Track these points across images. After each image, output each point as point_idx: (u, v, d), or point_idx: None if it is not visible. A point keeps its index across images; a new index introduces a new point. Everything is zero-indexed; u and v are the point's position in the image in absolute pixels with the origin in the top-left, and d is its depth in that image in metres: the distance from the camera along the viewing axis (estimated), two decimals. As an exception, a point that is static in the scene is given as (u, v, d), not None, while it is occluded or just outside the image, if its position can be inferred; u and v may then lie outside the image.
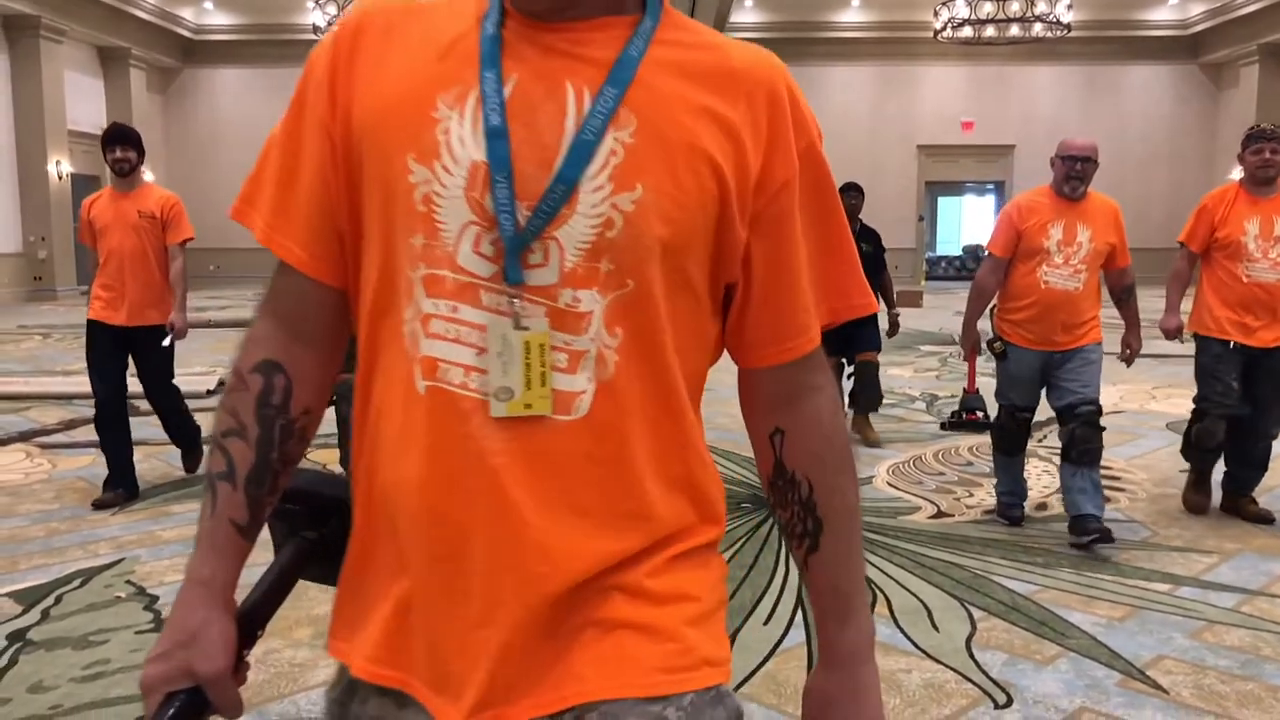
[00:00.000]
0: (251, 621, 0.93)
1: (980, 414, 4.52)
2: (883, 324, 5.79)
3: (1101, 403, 3.92)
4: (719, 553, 0.96)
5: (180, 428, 4.88)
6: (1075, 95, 20.48)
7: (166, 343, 4.56)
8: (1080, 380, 3.90)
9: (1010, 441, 4.15)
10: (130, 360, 4.60)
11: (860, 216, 5.81)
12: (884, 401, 6.07)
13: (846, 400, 5.66)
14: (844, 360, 5.74)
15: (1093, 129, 20.42)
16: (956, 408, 4.64)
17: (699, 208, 0.84)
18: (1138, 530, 4.11)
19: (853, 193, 5.71)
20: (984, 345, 4.26)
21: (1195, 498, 4.37)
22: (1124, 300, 4.15)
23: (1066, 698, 2.63)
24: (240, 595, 0.93)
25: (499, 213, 0.81)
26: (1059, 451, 5.15)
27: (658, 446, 0.86)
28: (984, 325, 4.26)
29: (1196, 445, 4.29)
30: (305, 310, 0.94)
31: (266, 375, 0.93)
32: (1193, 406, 4.35)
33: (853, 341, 5.62)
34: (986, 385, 4.77)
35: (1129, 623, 3.14)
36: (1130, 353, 4.21)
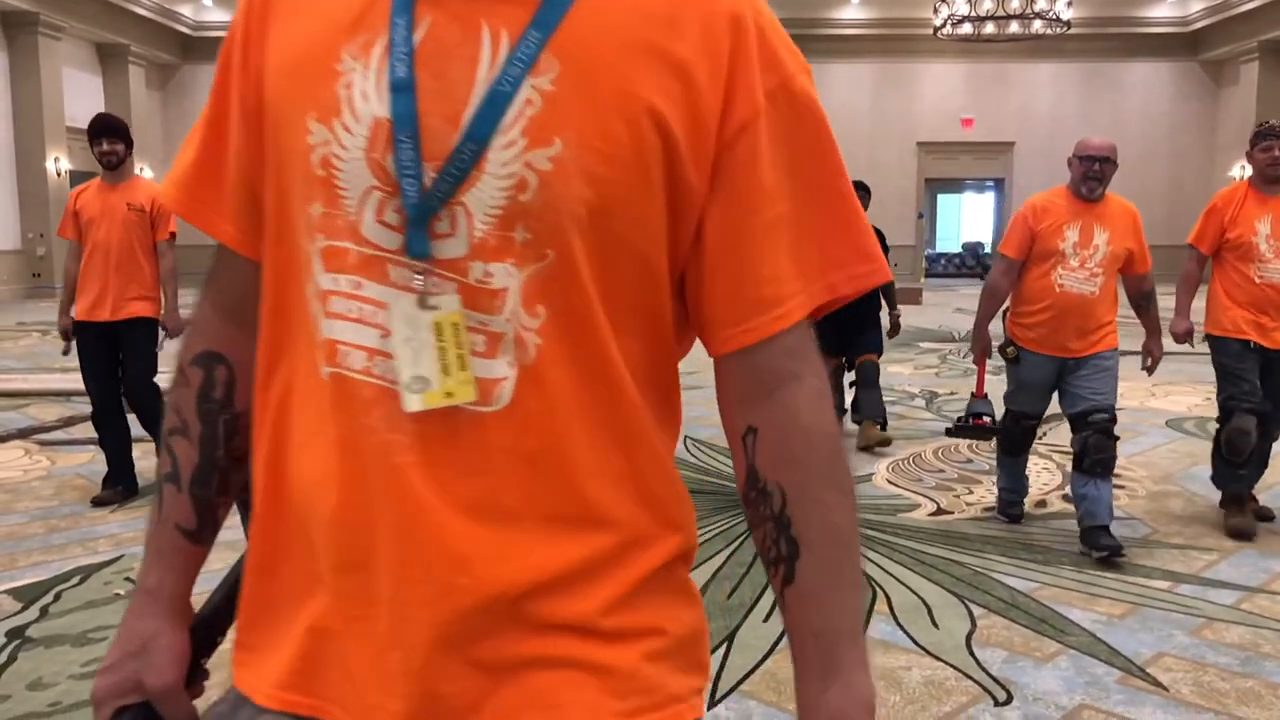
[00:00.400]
0: (210, 628, 0.87)
1: (988, 419, 4.40)
2: (883, 323, 5.79)
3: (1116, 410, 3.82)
4: (687, 572, 0.82)
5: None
6: (1075, 92, 20.47)
7: (160, 344, 4.44)
8: (1094, 387, 3.78)
9: (1015, 444, 4.11)
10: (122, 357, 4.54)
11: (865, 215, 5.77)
12: (884, 400, 5.90)
13: (850, 407, 5.61)
14: (844, 362, 5.64)
15: (1092, 126, 20.39)
16: (963, 413, 4.54)
17: (634, 164, 0.71)
18: (1137, 528, 4.11)
19: (859, 192, 5.65)
20: (995, 350, 4.15)
21: (1237, 520, 4.02)
22: (1143, 307, 4.02)
23: (1066, 695, 2.63)
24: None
25: (401, 176, 0.71)
26: (1061, 450, 5.15)
27: (596, 440, 0.75)
28: (995, 329, 4.15)
29: (1229, 450, 4.03)
30: (242, 293, 0.83)
31: (206, 368, 0.86)
32: (1218, 410, 4.18)
33: (853, 344, 5.52)
34: (994, 388, 4.72)
35: (1129, 620, 3.14)
36: (1152, 361, 4.09)
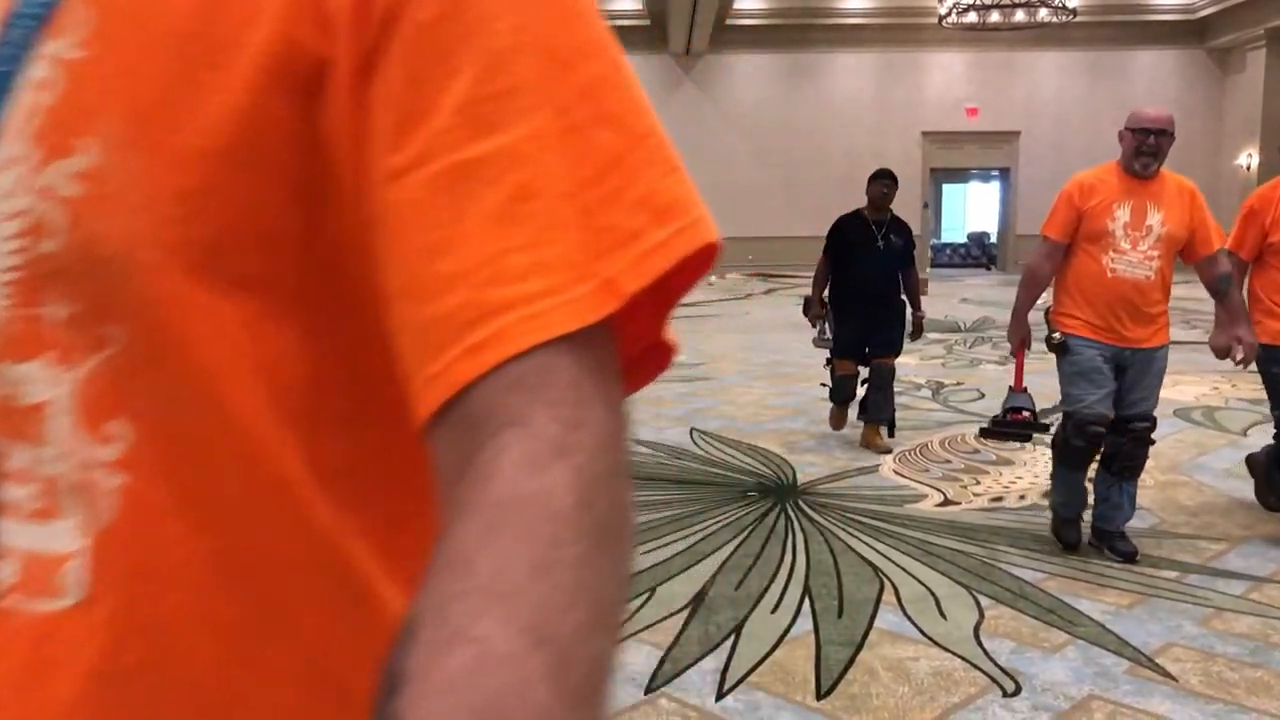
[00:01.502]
0: None
1: (1026, 412, 4.01)
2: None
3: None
4: None
5: None
6: (1081, 80, 20.38)
7: None
8: (1140, 391, 3.53)
9: (1076, 455, 3.59)
10: None
11: (891, 207, 5.29)
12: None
13: (857, 408, 5.34)
14: (859, 364, 5.29)
15: (1098, 114, 20.36)
16: (999, 412, 4.12)
17: (249, 151, 0.42)
18: (1145, 518, 4.10)
19: (885, 180, 5.22)
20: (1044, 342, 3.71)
21: None
22: (1222, 291, 3.61)
23: (1075, 685, 2.63)
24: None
25: None
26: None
27: (258, 641, 0.45)
28: (1033, 318, 3.86)
29: None
30: None
31: None
32: (1277, 428, 3.95)
33: (871, 342, 5.21)
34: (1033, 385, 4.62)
35: (1137, 610, 3.13)
36: (1245, 350, 3.62)
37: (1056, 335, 3.58)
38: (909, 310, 5.32)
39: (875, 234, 5.19)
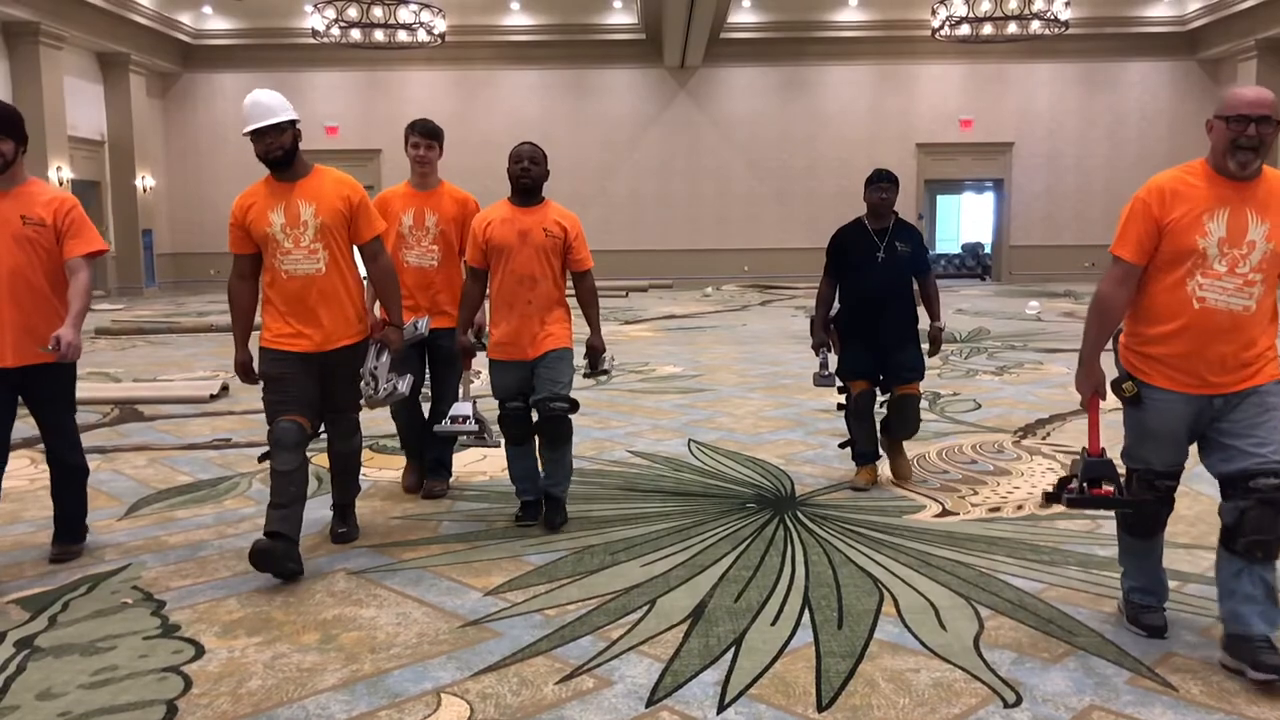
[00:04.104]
0: None
1: (1112, 488, 2.99)
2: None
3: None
4: None
5: (71, 492, 3.87)
6: (1074, 92, 20.49)
7: (50, 348, 3.44)
8: (1256, 436, 2.73)
9: (1145, 520, 2.97)
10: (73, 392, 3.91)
11: (895, 210, 4.83)
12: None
13: (878, 427, 4.83)
14: (877, 389, 4.79)
15: (1091, 126, 20.47)
16: (1068, 475, 3.09)
17: None
18: (1143, 527, 4.09)
19: (884, 183, 4.72)
20: (1111, 388, 2.96)
21: None
22: None
23: (1076, 696, 2.63)
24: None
25: None
26: (1069, 450, 5.04)
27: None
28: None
29: None
30: None
31: None
32: None
33: (890, 364, 4.70)
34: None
35: (1137, 620, 3.13)
36: None
37: (1128, 385, 2.88)
38: (925, 322, 4.78)
39: (877, 243, 4.73)
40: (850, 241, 4.80)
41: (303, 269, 3.67)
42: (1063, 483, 3.06)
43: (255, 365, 3.83)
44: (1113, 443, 3.00)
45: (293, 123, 3.66)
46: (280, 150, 3.64)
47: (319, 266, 3.68)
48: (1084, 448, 3.05)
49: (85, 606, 3.32)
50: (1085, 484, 2.98)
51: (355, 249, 3.83)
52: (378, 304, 4.03)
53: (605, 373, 4.38)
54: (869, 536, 3.96)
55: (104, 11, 17.29)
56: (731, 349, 10.29)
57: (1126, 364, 2.93)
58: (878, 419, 4.82)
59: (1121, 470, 2.98)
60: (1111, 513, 3.21)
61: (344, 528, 4.03)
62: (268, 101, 3.64)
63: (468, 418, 4.25)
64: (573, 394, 4.14)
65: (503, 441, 4.24)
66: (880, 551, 3.76)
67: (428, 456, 4.70)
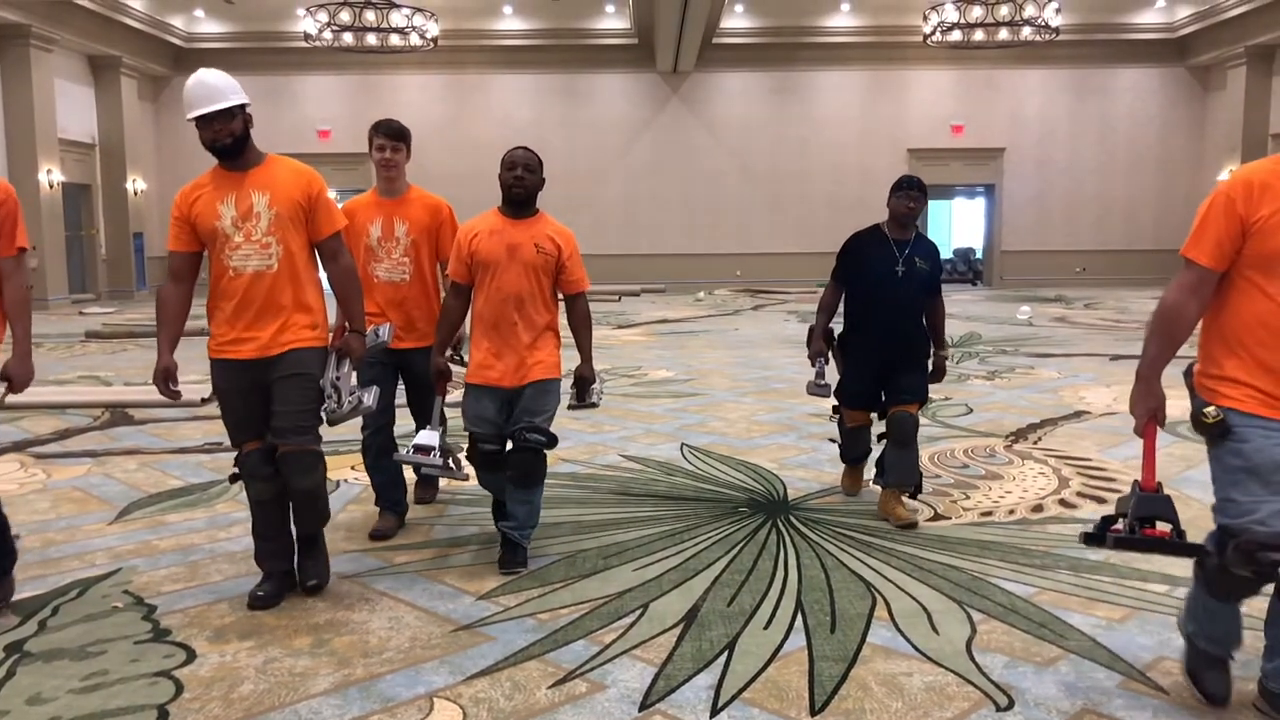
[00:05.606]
0: None
1: (1166, 525, 2.58)
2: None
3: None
4: None
5: None
6: (1064, 98, 20.58)
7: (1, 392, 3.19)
8: None
9: (1236, 587, 2.46)
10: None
11: (916, 224, 4.40)
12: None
13: (874, 469, 4.45)
14: (873, 414, 4.44)
15: (1081, 132, 20.57)
16: (1115, 513, 2.65)
17: None
18: (1134, 531, 4.10)
19: (913, 190, 4.27)
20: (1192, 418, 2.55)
21: None
22: None
23: (1068, 700, 2.64)
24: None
25: None
26: (1060, 455, 5.03)
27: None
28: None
29: None
30: None
31: None
32: None
33: (888, 388, 4.32)
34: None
35: (1128, 624, 3.14)
36: None
37: (1211, 410, 2.45)
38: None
39: (897, 256, 4.27)
40: (867, 250, 4.33)
41: (253, 265, 3.26)
42: (1106, 521, 2.63)
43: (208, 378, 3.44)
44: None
45: (243, 107, 3.27)
46: (230, 138, 3.23)
47: (270, 263, 3.26)
48: (1135, 481, 2.65)
49: (76, 611, 3.30)
50: (1136, 523, 2.56)
51: (314, 247, 3.40)
52: (336, 310, 3.52)
53: (593, 405, 3.87)
54: (861, 540, 3.97)
55: (95, 14, 17.24)
56: (724, 353, 10.30)
57: (1201, 389, 2.52)
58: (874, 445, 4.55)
59: (1198, 524, 2.56)
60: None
61: (314, 579, 3.45)
62: (214, 82, 3.22)
63: (432, 449, 3.80)
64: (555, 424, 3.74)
65: (471, 472, 3.90)
66: (873, 555, 3.77)
67: (382, 498, 4.23)
